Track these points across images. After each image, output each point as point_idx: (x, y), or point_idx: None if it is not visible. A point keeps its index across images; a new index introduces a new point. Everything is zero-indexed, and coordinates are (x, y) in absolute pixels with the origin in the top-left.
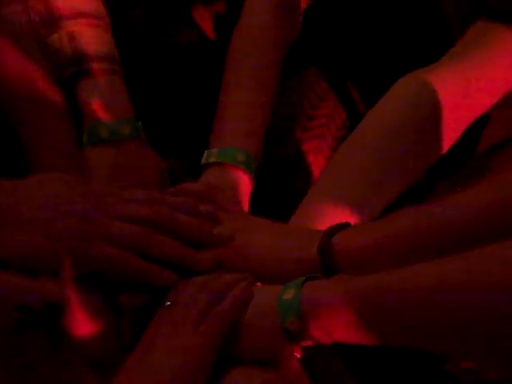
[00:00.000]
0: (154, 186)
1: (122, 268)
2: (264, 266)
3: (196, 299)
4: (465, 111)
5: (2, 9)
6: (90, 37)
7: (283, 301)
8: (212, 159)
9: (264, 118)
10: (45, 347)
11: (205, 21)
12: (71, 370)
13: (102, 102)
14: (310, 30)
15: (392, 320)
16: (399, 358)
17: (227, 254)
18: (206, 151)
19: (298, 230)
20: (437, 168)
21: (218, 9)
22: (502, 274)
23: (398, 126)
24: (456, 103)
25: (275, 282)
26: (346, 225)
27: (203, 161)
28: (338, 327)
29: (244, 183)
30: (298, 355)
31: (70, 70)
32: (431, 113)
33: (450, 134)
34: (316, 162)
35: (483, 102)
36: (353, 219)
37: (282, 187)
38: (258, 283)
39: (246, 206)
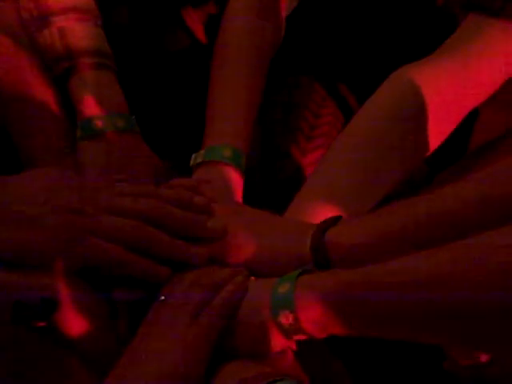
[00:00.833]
0: (147, 179)
1: (116, 263)
2: (258, 260)
3: (191, 293)
4: (455, 106)
5: None
6: (81, 32)
7: (277, 295)
8: (199, 159)
9: (249, 117)
10: (40, 343)
11: (195, 23)
12: (66, 366)
13: (94, 96)
14: (299, 37)
15: (382, 313)
16: (398, 356)
17: (222, 247)
18: (193, 154)
19: (291, 224)
20: (434, 161)
21: (208, 11)
22: (482, 267)
23: (388, 121)
24: (446, 98)
25: (269, 275)
26: (339, 218)
27: (191, 163)
28: (330, 321)
29: (234, 178)
30: (293, 348)
31: (61, 65)
32: (421, 108)
33: (441, 128)
34: None
35: (474, 96)
36: (345, 215)
37: (286, 199)
38: (252, 277)
39: (238, 199)
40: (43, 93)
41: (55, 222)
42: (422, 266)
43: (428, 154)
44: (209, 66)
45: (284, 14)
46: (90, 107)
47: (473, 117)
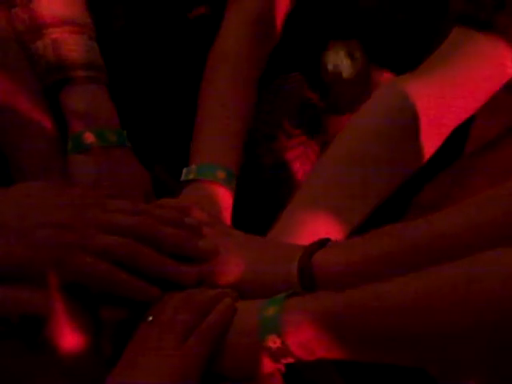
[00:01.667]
0: (138, 194)
1: (104, 280)
2: (246, 281)
3: (179, 315)
4: (444, 119)
5: None
6: (74, 44)
7: (264, 318)
8: (191, 176)
9: (242, 133)
10: (22, 353)
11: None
12: (48, 380)
13: (86, 109)
14: (290, 34)
15: (367, 337)
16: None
17: (211, 268)
18: (184, 168)
19: (278, 246)
20: (430, 165)
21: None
22: (468, 293)
23: (376, 135)
24: (436, 112)
25: (256, 297)
26: (326, 241)
27: (183, 177)
28: (317, 344)
29: (224, 199)
30: (282, 370)
31: (53, 77)
32: (410, 122)
33: (431, 141)
34: (302, 169)
35: (461, 111)
36: (333, 230)
37: (267, 195)
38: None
39: (227, 221)
40: (34, 104)
41: (43, 237)
42: (408, 291)
43: (419, 165)
44: (197, 67)
45: (282, 22)
46: (81, 121)
47: (468, 122)
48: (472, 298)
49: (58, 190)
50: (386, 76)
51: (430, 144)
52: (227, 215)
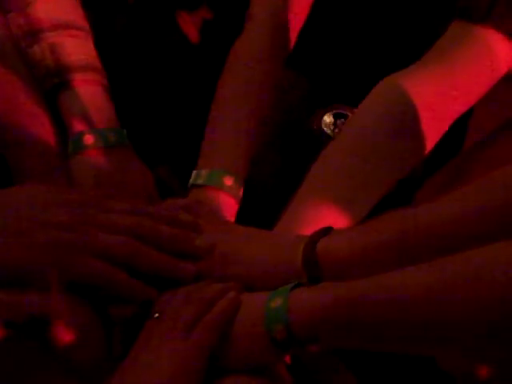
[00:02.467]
0: (139, 194)
1: (103, 281)
2: (249, 275)
3: (184, 309)
4: (443, 113)
5: None
6: (72, 47)
7: (270, 309)
8: (200, 181)
9: (252, 142)
10: (31, 352)
11: (189, 27)
12: (57, 378)
13: (85, 111)
14: None
15: (374, 327)
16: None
17: (211, 263)
18: (194, 172)
19: (281, 238)
20: (431, 159)
21: (203, 15)
22: (476, 288)
23: (378, 129)
24: (434, 106)
25: (261, 289)
26: (330, 229)
27: (191, 181)
28: (324, 334)
29: (230, 207)
30: (287, 361)
31: (52, 81)
32: (409, 116)
33: (429, 136)
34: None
35: (462, 102)
36: (338, 222)
37: (271, 190)
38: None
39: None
40: (34, 108)
41: (44, 237)
42: (418, 282)
43: (420, 159)
44: (202, 69)
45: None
46: (81, 122)
47: (467, 115)
48: (483, 291)
49: (59, 192)
50: None
51: (429, 137)
52: (231, 219)
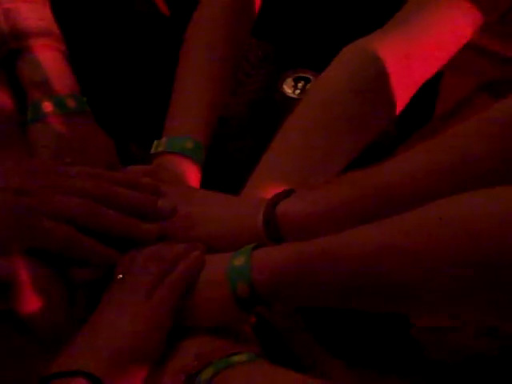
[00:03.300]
0: (100, 161)
1: (63, 244)
2: (211, 236)
3: (147, 269)
4: (409, 77)
5: None
6: (27, 12)
7: (233, 268)
8: (160, 148)
9: (216, 106)
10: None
11: None
12: (24, 353)
13: (44, 77)
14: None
15: (335, 284)
16: (364, 323)
17: (173, 224)
18: (155, 141)
19: (243, 200)
20: (403, 125)
21: None
22: (438, 235)
23: (344, 91)
24: (399, 70)
25: (223, 251)
26: (291, 192)
27: (152, 150)
28: (285, 291)
29: (192, 172)
30: (252, 320)
31: (8, 46)
32: (374, 79)
33: (397, 97)
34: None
35: (426, 67)
36: (301, 186)
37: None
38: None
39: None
40: None
41: (2, 202)
42: (374, 239)
43: (386, 122)
44: (172, 41)
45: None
46: (40, 89)
47: (437, 80)
48: (442, 240)
49: (16, 158)
50: None
51: (394, 102)
52: (194, 184)
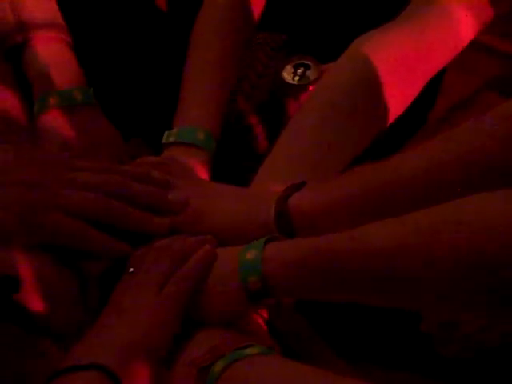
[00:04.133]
0: (108, 153)
1: (75, 238)
2: (222, 229)
3: (159, 262)
4: (417, 71)
5: None
6: (33, 5)
7: (245, 261)
8: (171, 138)
9: (225, 101)
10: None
11: None
12: (38, 348)
13: (50, 70)
14: None
15: (346, 279)
16: (374, 319)
17: (184, 218)
18: (166, 132)
19: (254, 193)
20: (402, 125)
21: None
22: (450, 238)
23: (351, 86)
24: (408, 63)
25: (234, 244)
26: (302, 184)
27: (163, 140)
28: (297, 285)
29: (203, 163)
30: (264, 315)
31: (14, 39)
32: (383, 74)
33: (405, 92)
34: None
35: (435, 61)
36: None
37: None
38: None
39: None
40: None
41: (13, 195)
42: (387, 235)
43: (393, 118)
44: (173, 37)
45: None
46: (47, 81)
47: (439, 77)
48: (458, 241)
49: (26, 151)
50: None
51: (403, 95)
52: (204, 175)
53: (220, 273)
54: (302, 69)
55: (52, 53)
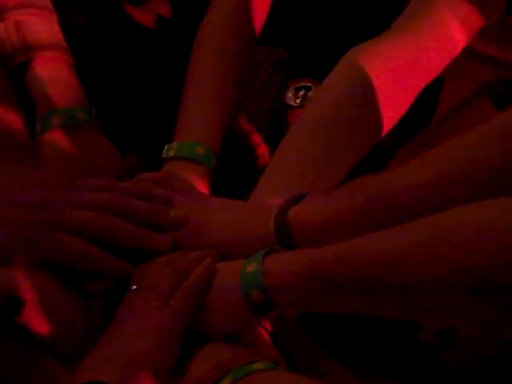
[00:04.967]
0: (107, 171)
1: (78, 258)
2: (223, 243)
3: (161, 279)
4: (409, 82)
5: None
6: (38, 25)
7: (246, 274)
8: (171, 153)
9: (226, 115)
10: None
11: (141, 16)
12: (39, 364)
13: (52, 90)
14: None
15: (348, 289)
16: (372, 328)
17: (185, 233)
18: (166, 145)
19: (254, 206)
20: (403, 128)
21: (154, 9)
22: (449, 249)
23: (347, 97)
24: (401, 74)
25: (235, 258)
26: (301, 197)
27: (163, 154)
28: (298, 296)
29: (202, 178)
30: (268, 329)
31: (18, 59)
32: (377, 85)
33: (400, 102)
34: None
35: (427, 71)
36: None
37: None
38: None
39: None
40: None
41: (15, 216)
42: (387, 246)
43: (389, 128)
44: (175, 53)
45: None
46: (49, 101)
47: (437, 84)
48: (457, 252)
49: (28, 171)
50: None
51: (399, 103)
52: (204, 190)
53: (222, 287)
54: (304, 91)
55: (55, 73)
